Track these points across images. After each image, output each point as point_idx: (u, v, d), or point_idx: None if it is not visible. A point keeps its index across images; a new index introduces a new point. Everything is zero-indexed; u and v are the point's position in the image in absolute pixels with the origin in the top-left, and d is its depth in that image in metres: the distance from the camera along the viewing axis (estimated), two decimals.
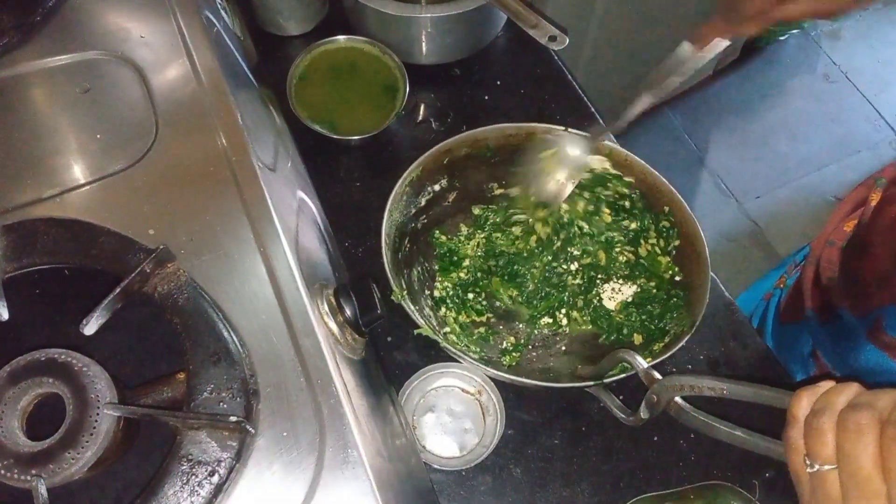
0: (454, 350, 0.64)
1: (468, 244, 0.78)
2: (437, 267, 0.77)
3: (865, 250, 0.70)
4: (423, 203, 0.75)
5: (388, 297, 0.64)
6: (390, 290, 0.65)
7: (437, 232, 0.78)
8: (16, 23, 0.58)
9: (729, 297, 0.77)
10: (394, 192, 0.69)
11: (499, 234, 0.78)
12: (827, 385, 0.41)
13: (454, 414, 0.69)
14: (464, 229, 0.79)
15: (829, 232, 0.78)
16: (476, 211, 0.79)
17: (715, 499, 0.64)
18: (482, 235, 0.78)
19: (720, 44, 0.58)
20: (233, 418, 0.42)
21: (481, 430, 0.68)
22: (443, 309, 0.74)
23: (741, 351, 0.75)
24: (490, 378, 0.68)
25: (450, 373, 0.69)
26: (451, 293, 0.75)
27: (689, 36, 0.59)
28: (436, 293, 0.75)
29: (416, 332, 0.65)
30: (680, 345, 0.64)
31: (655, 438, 0.70)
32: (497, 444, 0.66)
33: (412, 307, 0.65)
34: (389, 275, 0.65)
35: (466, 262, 0.78)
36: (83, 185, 0.52)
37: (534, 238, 0.78)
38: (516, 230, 0.78)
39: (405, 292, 0.66)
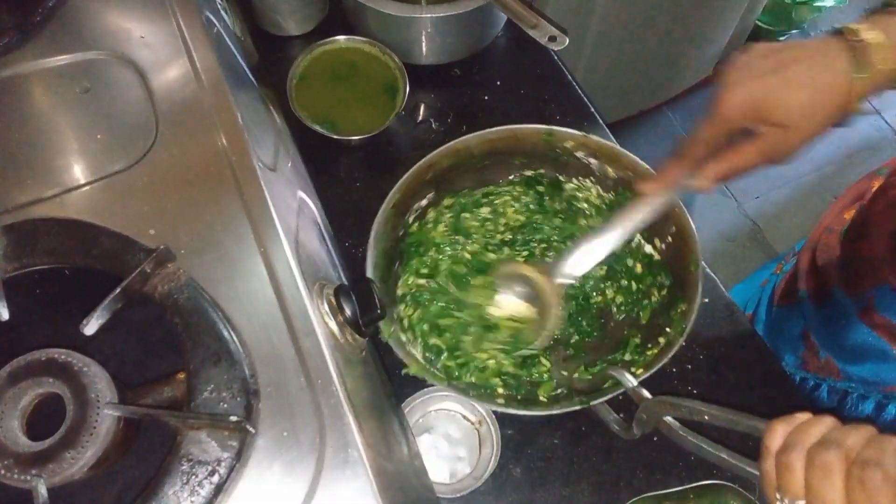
0: (442, 386, 0.63)
1: (435, 229, 0.76)
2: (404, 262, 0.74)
3: (863, 233, 0.71)
4: (411, 221, 0.74)
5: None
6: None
7: (415, 226, 0.75)
8: (16, 23, 0.58)
9: (728, 297, 0.77)
10: (377, 220, 0.67)
11: (468, 215, 0.77)
12: (802, 417, 0.42)
13: (451, 440, 0.68)
14: (431, 214, 0.76)
15: (828, 220, 0.79)
16: (446, 202, 0.76)
17: (715, 499, 0.64)
18: (449, 216, 0.76)
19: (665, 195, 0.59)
20: (233, 418, 0.42)
21: (475, 461, 0.67)
22: (402, 306, 0.71)
23: (741, 351, 0.75)
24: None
25: (454, 397, 0.68)
26: (412, 290, 0.72)
27: (639, 183, 0.60)
28: (398, 290, 0.72)
29: (403, 372, 0.64)
30: (671, 354, 0.63)
31: (655, 438, 0.70)
32: (487, 479, 0.65)
33: (402, 339, 0.65)
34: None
35: (433, 251, 0.75)
36: (83, 185, 0.52)
37: (503, 221, 0.77)
38: (485, 211, 0.77)
39: (394, 328, 0.65)
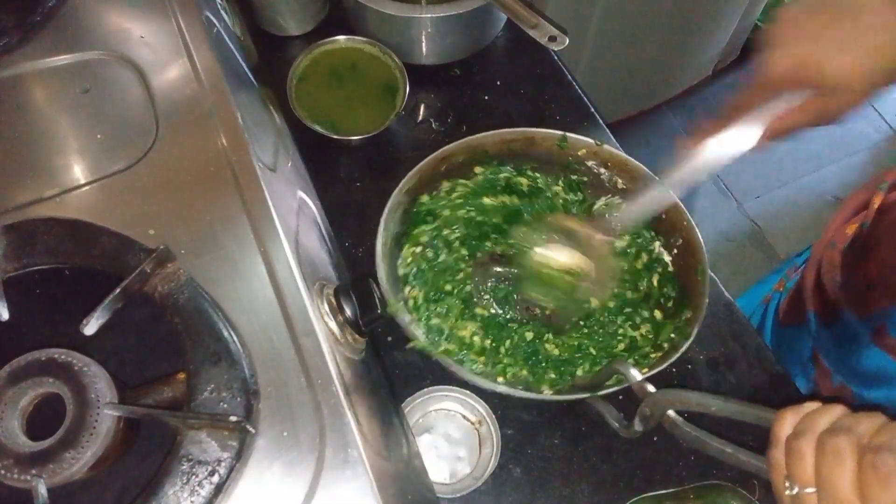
0: (448, 361, 0.63)
1: (448, 197, 0.74)
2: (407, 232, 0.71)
3: (868, 253, 0.70)
4: (422, 200, 0.74)
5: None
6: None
7: (425, 197, 0.73)
8: (16, 23, 0.58)
9: (728, 297, 0.77)
10: (389, 203, 0.67)
11: (488, 197, 0.75)
12: (811, 406, 0.41)
13: (451, 440, 0.68)
14: (445, 185, 0.73)
15: (830, 235, 0.78)
16: (477, 169, 0.74)
17: (715, 499, 0.64)
18: (468, 183, 0.74)
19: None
20: (233, 418, 0.42)
21: (474, 462, 0.67)
22: (407, 288, 0.70)
23: (741, 351, 0.75)
24: (482, 390, 0.65)
25: (454, 397, 0.68)
26: (412, 269, 0.70)
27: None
28: (400, 270, 0.70)
29: (408, 346, 0.64)
30: (677, 356, 0.64)
31: (655, 438, 0.70)
32: (487, 479, 0.65)
33: (407, 318, 0.65)
34: (385, 286, 0.64)
35: (446, 212, 0.72)
36: (83, 185, 0.52)
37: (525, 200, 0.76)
38: (504, 199, 0.75)
39: (402, 304, 0.65)
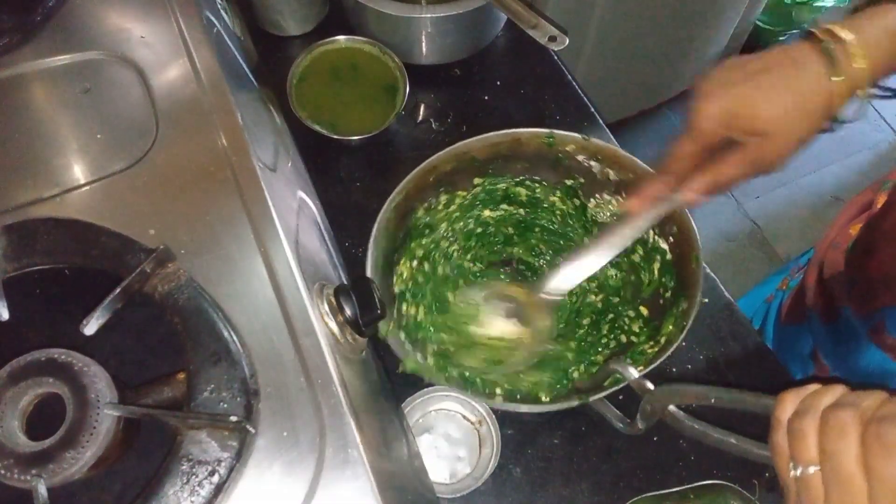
0: (442, 384, 0.63)
1: (447, 209, 0.73)
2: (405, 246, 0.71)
3: (871, 252, 0.70)
4: (419, 214, 0.74)
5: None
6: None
7: (420, 211, 0.73)
8: (16, 23, 0.58)
9: (728, 297, 0.77)
10: (378, 220, 0.66)
11: (487, 210, 0.75)
12: (812, 387, 0.40)
13: (451, 440, 0.68)
14: (443, 198, 0.73)
15: (833, 234, 0.78)
16: (476, 180, 0.74)
17: (715, 499, 0.64)
18: (466, 195, 0.73)
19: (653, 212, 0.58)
20: (233, 418, 0.42)
21: (474, 462, 0.67)
22: (404, 306, 0.69)
23: (741, 351, 0.75)
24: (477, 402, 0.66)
25: (454, 397, 0.68)
26: (409, 285, 0.70)
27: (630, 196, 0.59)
28: (396, 287, 0.69)
29: (399, 370, 0.63)
30: (671, 350, 0.63)
31: (655, 438, 0.70)
32: (487, 479, 0.65)
33: (401, 339, 0.64)
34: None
35: (444, 225, 0.72)
36: (83, 185, 0.52)
37: (523, 211, 0.76)
38: (506, 208, 0.75)
39: (392, 326, 0.65)
